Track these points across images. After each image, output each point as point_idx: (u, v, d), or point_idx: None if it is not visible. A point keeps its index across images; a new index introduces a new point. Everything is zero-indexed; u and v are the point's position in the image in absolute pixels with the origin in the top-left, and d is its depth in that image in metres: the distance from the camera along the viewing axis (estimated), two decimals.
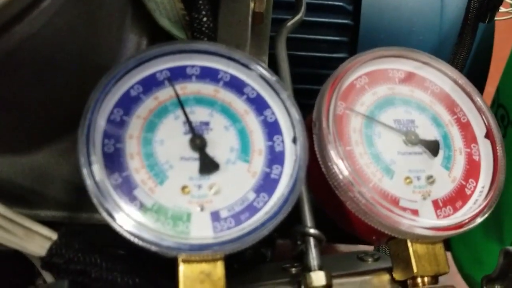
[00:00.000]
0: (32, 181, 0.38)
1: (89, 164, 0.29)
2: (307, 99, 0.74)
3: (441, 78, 0.38)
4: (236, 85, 0.35)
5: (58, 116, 0.37)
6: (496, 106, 0.71)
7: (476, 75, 0.74)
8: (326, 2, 0.67)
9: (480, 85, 0.76)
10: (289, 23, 0.40)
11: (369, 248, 0.50)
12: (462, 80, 0.38)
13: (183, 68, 0.35)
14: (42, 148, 0.38)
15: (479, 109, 0.37)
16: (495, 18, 0.62)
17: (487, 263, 0.67)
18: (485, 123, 0.37)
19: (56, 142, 0.39)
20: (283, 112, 0.35)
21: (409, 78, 0.38)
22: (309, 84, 0.71)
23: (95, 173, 0.29)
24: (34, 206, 0.39)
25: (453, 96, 0.38)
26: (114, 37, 0.39)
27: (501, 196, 0.61)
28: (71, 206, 0.39)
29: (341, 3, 0.67)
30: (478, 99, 0.37)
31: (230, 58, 0.35)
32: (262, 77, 0.35)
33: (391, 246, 0.35)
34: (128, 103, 0.32)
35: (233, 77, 0.35)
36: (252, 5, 0.45)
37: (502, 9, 0.67)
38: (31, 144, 0.38)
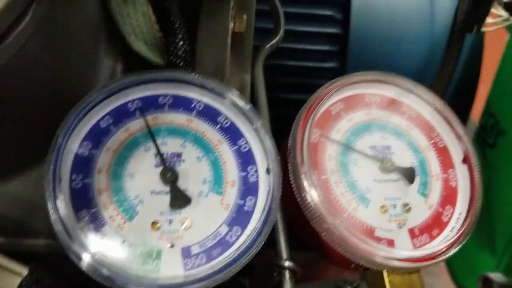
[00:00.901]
0: (8, 210, 0.38)
1: (54, 199, 0.29)
2: (298, 109, 0.74)
3: (418, 102, 0.38)
4: (209, 114, 0.35)
5: (32, 145, 0.37)
6: (487, 115, 0.71)
7: (467, 84, 0.73)
8: (315, 12, 0.66)
9: (470, 95, 0.75)
10: (267, 46, 0.39)
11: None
12: (440, 104, 0.37)
13: (156, 97, 0.34)
14: (17, 176, 0.38)
15: (456, 134, 0.37)
16: (482, 29, 0.62)
17: (480, 273, 0.67)
18: (462, 148, 0.37)
19: (31, 170, 0.38)
20: (257, 142, 0.34)
21: (385, 103, 0.38)
22: (300, 94, 0.70)
23: (60, 209, 0.29)
24: (12, 235, 0.38)
25: (430, 121, 0.38)
26: (87, 63, 0.38)
27: (493, 206, 0.61)
28: (50, 234, 0.39)
29: (330, 13, 0.67)
30: (456, 123, 0.37)
31: (203, 87, 0.35)
32: (236, 105, 0.35)
33: (368, 275, 0.35)
34: (97, 136, 0.32)
35: (206, 106, 0.35)
36: (231, 25, 0.45)
37: (489, 19, 0.66)
38: (5, 172, 0.38)
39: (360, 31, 0.65)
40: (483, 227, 0.66)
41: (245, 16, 0.47)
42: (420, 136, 0.37)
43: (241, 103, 0.35)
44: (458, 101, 0.74)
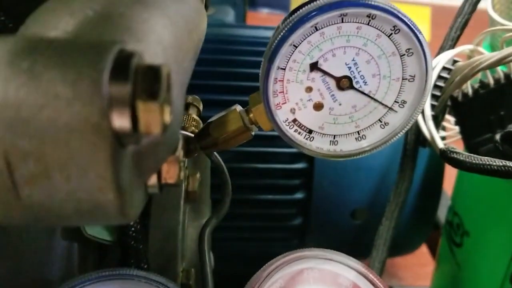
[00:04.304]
0: None
1: None
2: (269, 209, 0.75)
3: (356, 275, 0.40)
4: None
5: None
6: (452, 213, 0.73)
7: (428, 197, 0.76)
8: None
9: (433, 205, 0.78)
10: (209, 227, 0.42)
11: None
12: (374, 277, 0.40)
13: None
14: None
15: None
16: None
17: None
18: None
19: None
20: None
21: (322, 276, 0.40)
22: (273, 194, 0.74)
23: None
24: None
25: None
26: (43, 245, 0.41)
27: None
28: None
29: None
30: None
31: (147, 279, 0.38)
32: None
33: None
34: None
35: None
36: (184, 185, 0.47)
37: (443, 133, 0.69)
38: None
39: None
40: None
41: (198, 175, 0.50)
42: None
43: None
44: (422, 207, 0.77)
